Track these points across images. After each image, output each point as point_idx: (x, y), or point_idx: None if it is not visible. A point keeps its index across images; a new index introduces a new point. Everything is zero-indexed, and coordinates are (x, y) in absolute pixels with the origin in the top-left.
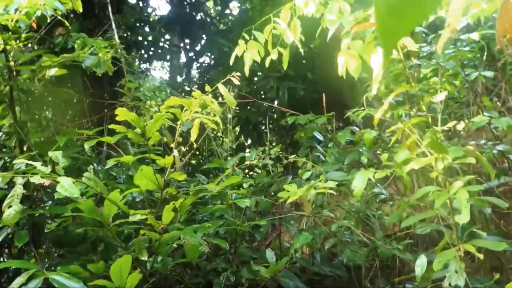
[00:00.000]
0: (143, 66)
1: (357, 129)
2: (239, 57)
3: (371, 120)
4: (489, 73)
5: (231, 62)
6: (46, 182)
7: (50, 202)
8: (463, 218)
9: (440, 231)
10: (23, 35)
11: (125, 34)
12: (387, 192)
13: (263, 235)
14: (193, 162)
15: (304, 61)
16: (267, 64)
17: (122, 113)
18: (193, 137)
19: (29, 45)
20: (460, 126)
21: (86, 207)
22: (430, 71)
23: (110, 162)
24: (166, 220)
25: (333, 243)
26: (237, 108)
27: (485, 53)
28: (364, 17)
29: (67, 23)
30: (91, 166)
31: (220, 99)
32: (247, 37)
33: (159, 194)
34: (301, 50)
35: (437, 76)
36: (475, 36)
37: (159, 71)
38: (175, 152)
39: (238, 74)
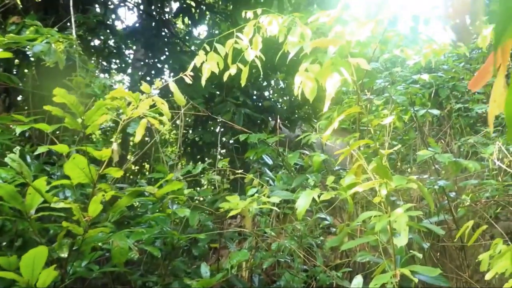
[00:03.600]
0: (102, 76)
1: (307, 152)
2: (198, 75)
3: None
4: (436, 111)
5: (188, 71)
6: None
7: None
8: (402, 240)
9: (378, 262)
10: None
11: (85, 36)
12: (331, 218)
13: (202, 251)
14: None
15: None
16: (225, 78)
17: (60, 94)
18: (137, 137)
19: None
20: (406, 165)
21: (5, 192)
22: (381, 103)
23: (42, 149)
24: (92, 212)
25: (272, 263)
26: (189, 128)
27: (433, 95)
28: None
29: (19, 9)
30: (17, 147)
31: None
32: (208, 48)
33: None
34: (260, 68)
35: (388, 109)
36: (425, 77)
37: (118, 85)
38: (115, 146)
39: (191, 73)
